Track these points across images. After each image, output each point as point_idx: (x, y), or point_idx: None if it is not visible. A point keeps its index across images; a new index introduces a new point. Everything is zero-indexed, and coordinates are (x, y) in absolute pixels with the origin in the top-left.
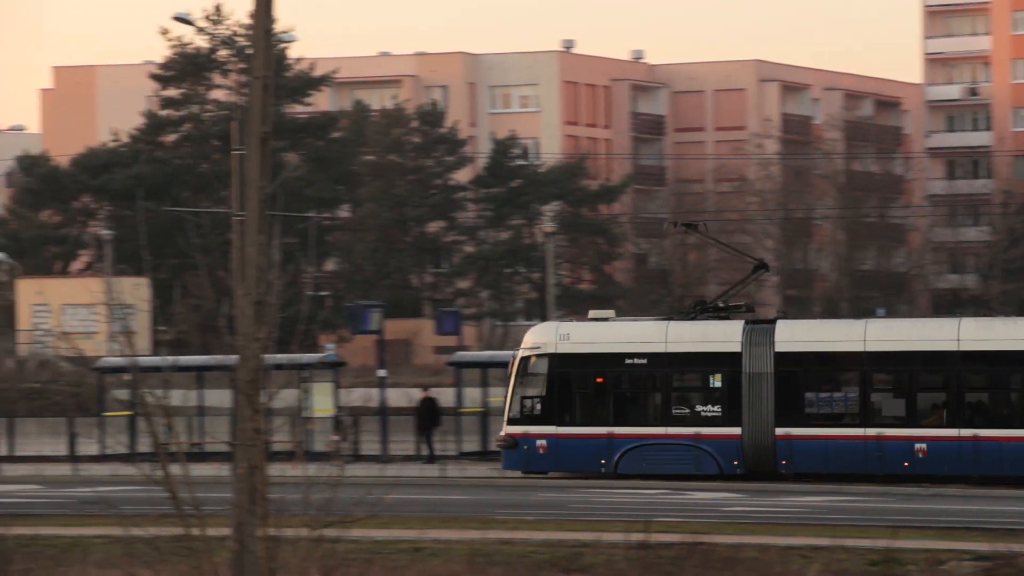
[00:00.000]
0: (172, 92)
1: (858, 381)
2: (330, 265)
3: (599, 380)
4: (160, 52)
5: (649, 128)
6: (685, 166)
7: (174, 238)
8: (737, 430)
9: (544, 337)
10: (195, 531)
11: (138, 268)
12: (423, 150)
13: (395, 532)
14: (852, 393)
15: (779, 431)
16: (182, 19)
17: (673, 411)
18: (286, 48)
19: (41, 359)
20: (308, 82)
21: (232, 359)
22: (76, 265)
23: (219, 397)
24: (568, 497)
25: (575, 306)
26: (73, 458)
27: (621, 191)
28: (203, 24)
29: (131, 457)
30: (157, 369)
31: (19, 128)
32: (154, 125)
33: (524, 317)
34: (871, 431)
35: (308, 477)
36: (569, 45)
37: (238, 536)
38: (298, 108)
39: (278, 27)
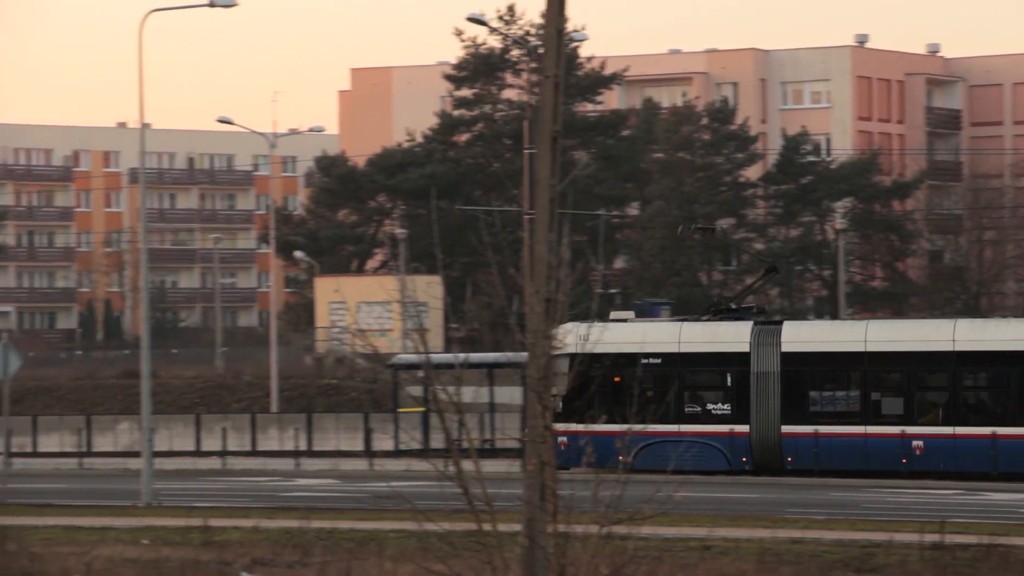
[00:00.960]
0: (465, 92)
1: (859, 380)
2: (619, 263)
3: (617, 379)
4: (454, 53)
5: (944, 123)
6: (982, 161)
7: (466, 236)
8: (746, 427)
9: (566, 338)
10: (487, 527)
11: (431, 266)
12: (713, 147)
13: (684, 530)
14: (854, 392)
15: (785, 428)
16: (476, 20)
17: (686, 409)
18: (577, 47)
19: (338, 356)
20: (598, 80)
21: (522, 356)
22: (371, 263)
23: (509, 394)
24: (859, 497)
25: (867, 304)
26: (369, 453)
27: (915, 187)
28: (496, 24)
29: (424, 453)
30: (449, 366)
31: (318, 129)
32: (447, 125)
33: (814, 315)
34: (872, 429)
35: (597, 474)
36: (863, 40)
37: (529, 532)
38: (588, 107)
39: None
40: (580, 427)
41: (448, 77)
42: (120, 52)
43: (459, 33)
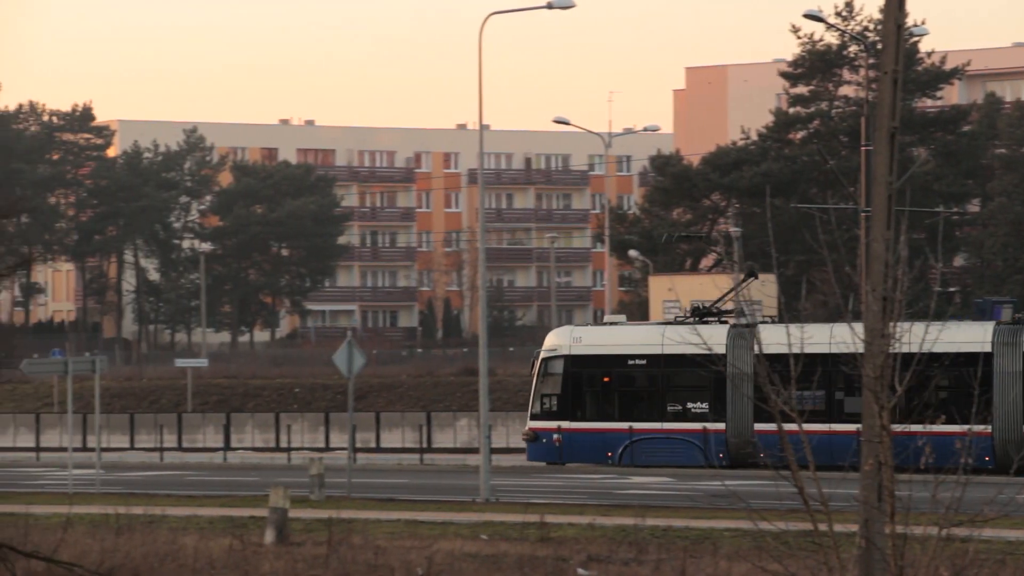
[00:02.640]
0: (801, 89)
1: (822, 379)
2: (958, 260)
3: (606, 379)
4: (790, 50)
5: None
6: None
7: (801, 234)
8: (722, 426)
9: (560, 340)
10: (822, 527)
11: (766, 264)
12: None
13: None
14: (819, 391)
15: (758, 426)
16: (813, 16)
17: (668, 408)
18: (917, 42)
19: None
20: (938, 76)
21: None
22: (705, 262)
23: None
24: None
25: None
26: None
27: None
28: (834, 20)
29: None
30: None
31: (653, 128)
32: (782, 123)
33: None
34: (836, 426)
35: (936, 475)
36: None
37: (865, 532)
38: (927, 102)
39: (909, 21)
40: (571, 424)
41: (784, 74)
42: (460, 55)
43: (795, 30)
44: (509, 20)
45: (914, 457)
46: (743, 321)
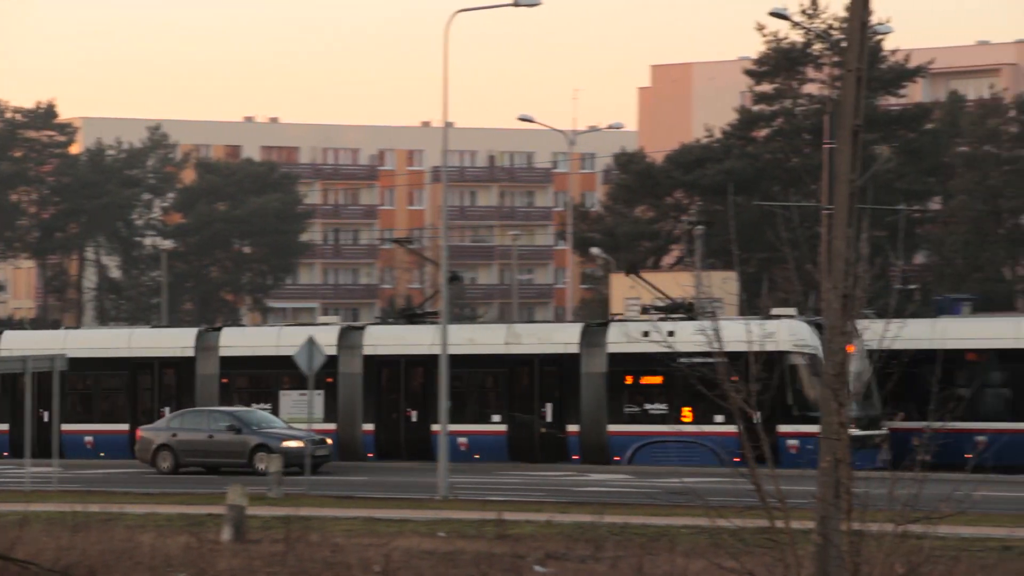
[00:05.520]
0: (765, 87)
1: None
2: (919, 258)
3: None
4: (755, 48)
5: None
6: None
7: (763, 232)
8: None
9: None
10: (779, 523)
11: (727, 262)
12: (1021, 140)
13: (983, 530)
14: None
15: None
16: (778, 14)
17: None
18: (881, 40)
19: None
20: (902, 74)
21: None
22: (667, 260)
23: None
24: None
25: None
26: None
27: None
28: (799, 19)
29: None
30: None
31: (617, 126)
32: (746, 120)
33: None
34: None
35: (893, 472)
36: None
37: (822, 529)
38: (891, 100)
39: (873, 19)
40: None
41: (748, 72)
42: (424, 53)
43: (760, 28)
44: (475, 17)
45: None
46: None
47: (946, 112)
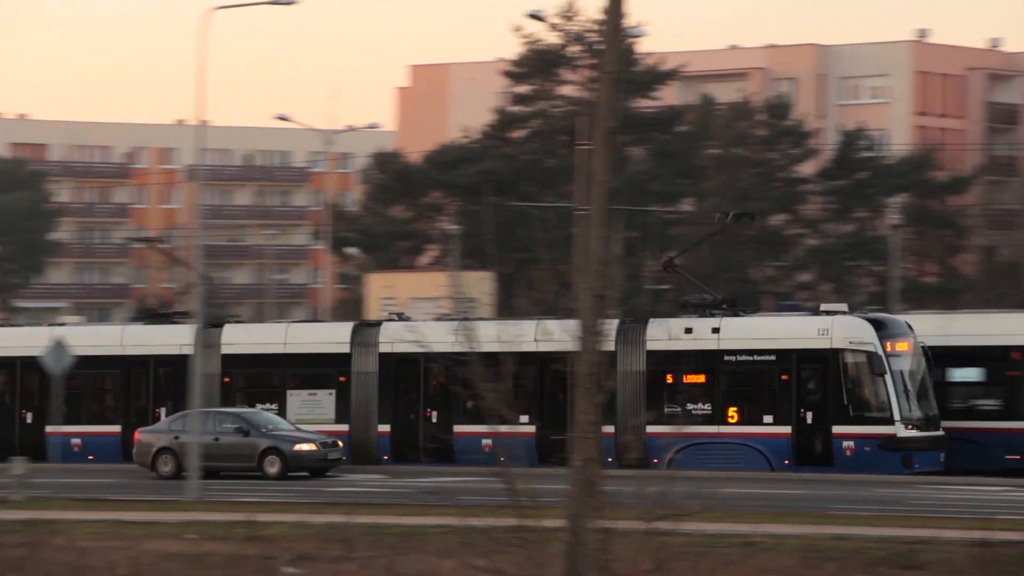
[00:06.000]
0: (523, 89)
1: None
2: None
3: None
4: (512, 49)
5: (1004, 118)
6: None
7: (519, 233)
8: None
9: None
10: (530, 522)
11: (483, 262)
12: (769, 143)
13: (728, 526)
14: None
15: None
16: (535, 16)
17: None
18: (636, 43)
19: None
20: (656, 76)
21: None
22: (424, 260)
23: None
24: (905, 493)
25: (919, 299)
26: None
27: (972, 182)
28: (556, 21)
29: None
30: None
31: (375, 126)
32: (503, 121)
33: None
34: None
35: (643, 471)
36: (923, 34)
37: (572, 527)
38: (645, 103)
39: (629, 22)
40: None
41: (506, 73)
42: (181, 49)
43: (518, 29)
44: (233, 14)
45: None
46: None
47: (698, 115)
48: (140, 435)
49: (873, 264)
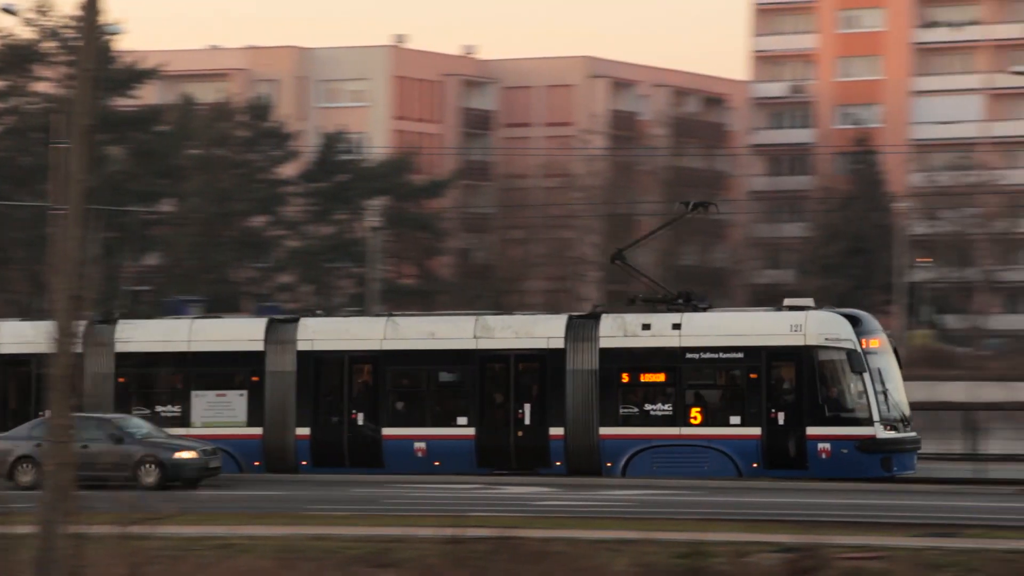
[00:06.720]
0: None
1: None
2: (152, 259)
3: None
4: None
5: (478, 123)
6: (513, 161)
7: None
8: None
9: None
10: (1, 528)
11: None
12: (250, 144)
13: (206, 529)
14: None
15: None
16: (8, 10)
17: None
18: (113, 40)
19: None
20: (135, 75)
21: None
22: None
23: None
24: (381, 492)
25: (397, 301)
26: None
27: (447, 186)
28: (30, 15)
29: None
30: None
31: None
32: None
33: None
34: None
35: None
36: (401, 40)
37: (43, 533)
38: (124, 101)
39: (107, 19)
40: None
41: None
42: None
43: None
44: None
45: None
46: None
47: (178, 115)
48: None
49: (353, 266)
